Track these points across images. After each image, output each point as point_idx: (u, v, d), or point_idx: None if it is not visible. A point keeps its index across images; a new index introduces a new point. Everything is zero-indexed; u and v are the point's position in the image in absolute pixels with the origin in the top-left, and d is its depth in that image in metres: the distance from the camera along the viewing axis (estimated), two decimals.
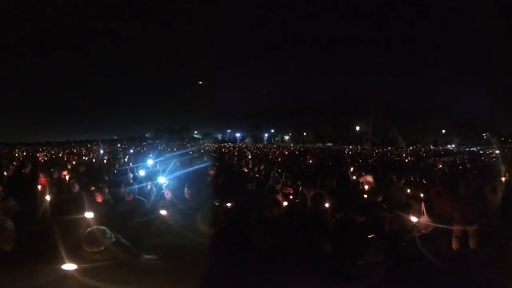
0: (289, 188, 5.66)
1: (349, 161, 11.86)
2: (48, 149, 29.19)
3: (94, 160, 13.00)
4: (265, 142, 69.33)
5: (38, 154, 19.59)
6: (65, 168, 8.10)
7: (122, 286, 2.33)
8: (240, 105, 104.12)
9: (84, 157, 14.38)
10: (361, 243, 3.14)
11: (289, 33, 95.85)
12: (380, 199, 4.46)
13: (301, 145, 49.86)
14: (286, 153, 19.97)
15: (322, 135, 70.53)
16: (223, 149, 27.78)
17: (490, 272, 2.57)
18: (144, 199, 4.55)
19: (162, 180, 5.79)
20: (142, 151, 22.18)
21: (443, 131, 63.11)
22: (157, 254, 2.98)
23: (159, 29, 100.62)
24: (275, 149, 26.28)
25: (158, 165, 9.22)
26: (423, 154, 24.34)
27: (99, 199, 4.45)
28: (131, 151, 21.46)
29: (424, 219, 4.28)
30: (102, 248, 2.65)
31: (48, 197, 4.50)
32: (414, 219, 3.96)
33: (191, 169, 8.08)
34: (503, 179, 6.27)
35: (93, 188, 5.16)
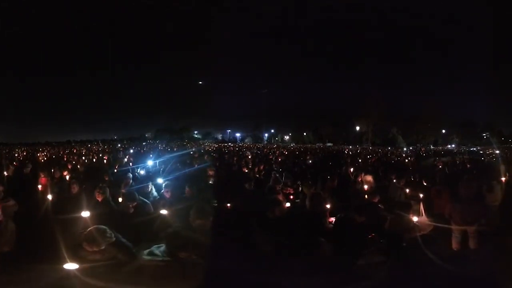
0: (289, 188, 5.66)
1: (349, 161, 11.88)
2: (48, 149, 29.20)
3: (94, 160, 13.04)
4: (265, 142, 69.34)
5: (38, 154, 19.60)
6: (65, 168, 8.12)
7: (122, 285, 2.33)
8: (240, 105, 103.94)
9: (83, 157, 14.40)
10: (361, 243, 3.15)
11: (289, 33, 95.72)
12: (376, 199, 4.46)
13: (301, 145, 49.85)
14: (286, 153, 19.99)
15: (322, 135, 70.53)
16: (223, 149, 27.79)
17: (490, 272, 2.57)
18: (147, 201, 4.54)
19: (160, 180, 5.81)
20: (142, 151, 22.19)
21: (443, 131, 63.13)
22: (157, 254, 2.99)
23: (159, 29, 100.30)
24: (275, 149, 26.31)
25: (158, 165, 9.24)
26: (423, 154, 24.35)
27: (99, 198, 4.45)
28: (131, 151, 21.45)
29: (423, 219, 4.29)
30: (102, 247, 2.66)
31: (49, 197, 4.52)
32: (414, 219, 3.97)
33: (191, 169, 8.09)
34: (503, 179, 6.27)
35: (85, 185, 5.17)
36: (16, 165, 9.43)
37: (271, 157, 14.76)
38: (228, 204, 4.29)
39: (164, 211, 3.72)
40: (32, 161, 11.80)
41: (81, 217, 3.51)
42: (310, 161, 12.52)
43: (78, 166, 9.21)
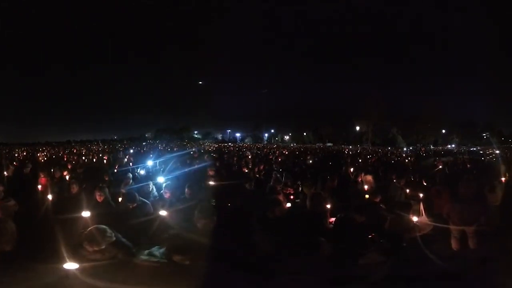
0: (289, 189, 5.67)
1: (349, 161, 11.88)
2: (48, 149, 29.20)
3: (94, 160, 13.04)
4: (265, 142, 69.31)
5: (38, 154, 19.60)
6: (65, 168, 8.12)
7: (122, 285, 2.33)
8: (240, 105, 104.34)
9: (83, 157, 14.40)
10: (361, 243, 3.15)
11: (289, 33, 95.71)
12: (378, 199, 4.47)
13: (301, 145, 49.85)
14: (286, 153, 19.98)
15: (322, 135, 70.53)
16: (223, 149, 27.79)
17: (490, 272, 2.57)
18: (147, 201, 4.55)
19: (161, 180, 5.81)
20: (142, 151, 22.18)
21: (443, 131, 63.16)
22: (155, 255, 2.99)
23: (159, 28, 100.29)
24: (275, 149, 26.31)
25: (158, 165, 9.23)
26: (423, 154, 24.34)
27: (99, 198, 4.46)
28: (131, 151, 21.43)
29: (423, 219, 4.29)
30: (103, 247, 2.66)
31: (49, 197, 4.52)
32: (414, 219, 3.97)
33: (191, 169, 8.09)
34: (503, 179, 6.27)
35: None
36: (16, 165, 9.44)
37: (271, 157, 14.75)
38: (228, 204, 4.29)
39: (163, 212, 3.71)
40: (32, 161, 11.80)
41: (81, 217, 3.52)
42: (310, 161, 12.53)
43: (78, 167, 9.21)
